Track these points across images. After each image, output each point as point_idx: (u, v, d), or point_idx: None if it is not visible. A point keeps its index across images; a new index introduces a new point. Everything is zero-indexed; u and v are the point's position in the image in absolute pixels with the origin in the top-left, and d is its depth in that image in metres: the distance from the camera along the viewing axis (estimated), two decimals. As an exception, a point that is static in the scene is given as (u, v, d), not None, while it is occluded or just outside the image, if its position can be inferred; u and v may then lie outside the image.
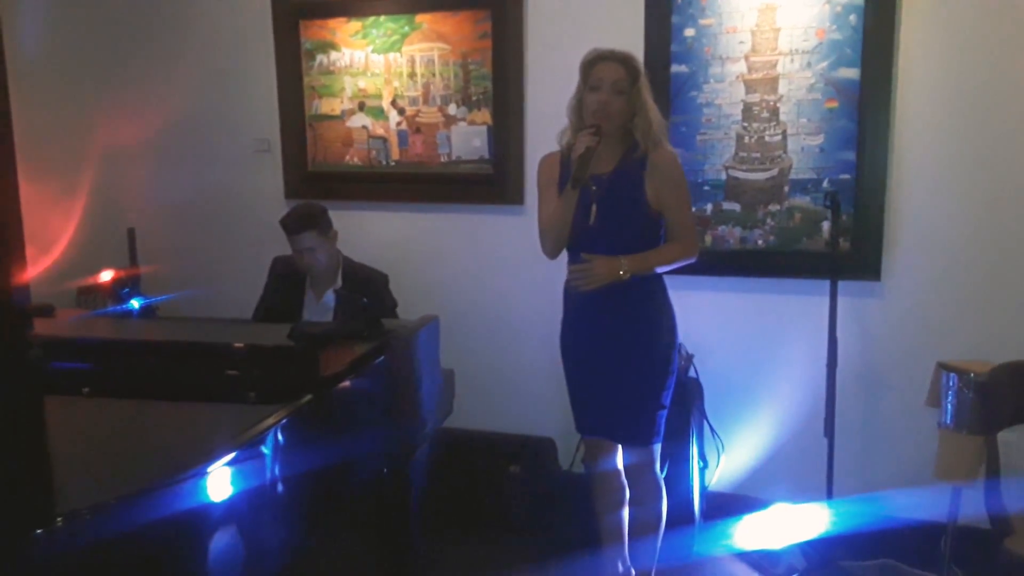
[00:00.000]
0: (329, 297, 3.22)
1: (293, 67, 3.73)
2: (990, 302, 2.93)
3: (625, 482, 2.67)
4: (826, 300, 3.03)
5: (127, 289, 3.93)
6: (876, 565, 3.01)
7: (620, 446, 2.63)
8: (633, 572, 2.73)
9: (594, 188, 2.43)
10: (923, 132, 2.95)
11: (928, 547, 2.87)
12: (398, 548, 2.54)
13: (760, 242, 3.18)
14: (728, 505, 3.17)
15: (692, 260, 2.49)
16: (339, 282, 3.20)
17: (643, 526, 2.65)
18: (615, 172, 2.43)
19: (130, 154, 4.05)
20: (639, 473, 2.58)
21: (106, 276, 3.93)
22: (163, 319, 3.58)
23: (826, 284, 3.04)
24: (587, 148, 2.36)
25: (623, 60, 2.44)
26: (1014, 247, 2.89)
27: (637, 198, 2.40)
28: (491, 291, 3.56)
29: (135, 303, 3.81)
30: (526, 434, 3.51)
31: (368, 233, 3.65)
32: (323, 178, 3.78)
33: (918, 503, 2.92)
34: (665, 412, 2.53)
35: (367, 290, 3.14)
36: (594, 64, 2.46)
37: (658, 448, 2.56)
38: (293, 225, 3.08)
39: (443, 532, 3.20)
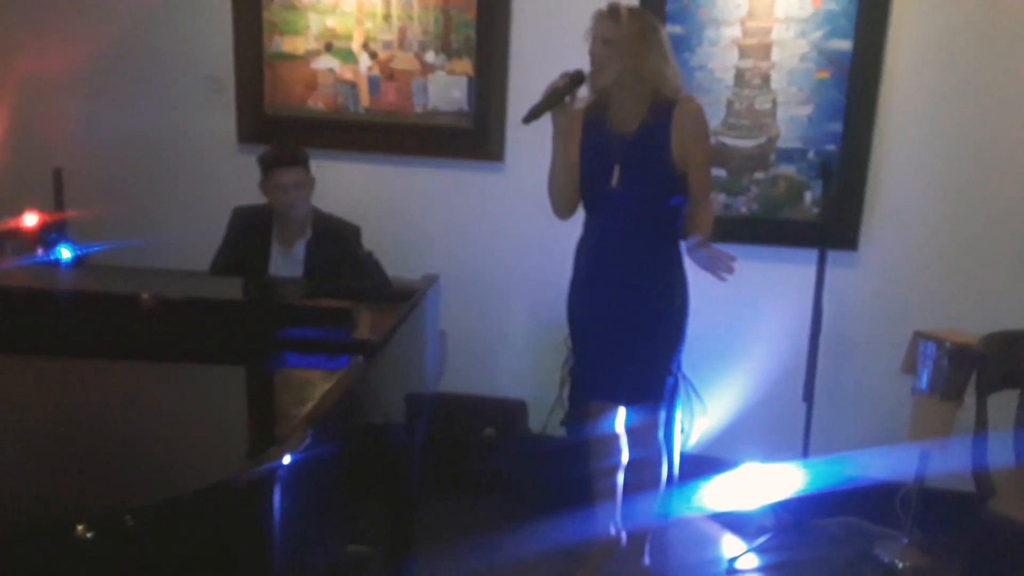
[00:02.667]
0: (299, 249, 3.03)
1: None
2: (963, 274, 3.07)
3: (622, 445, 2.65)
4: (806, 268, 3.10)
5: (54, 235, 3.58)
6: (840, 522, 3.15)
7: (620, 409, 2.61)
8: (624, 534, 2.73)
9: (617, 148, 2.36)
10: (909, 107, 3.03)
11: (893, 506, 3.02)
12: (400, 513, 2.44)
13: (744, 209, 3.20)
14: (703, 466, 3.23)
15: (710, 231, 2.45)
16: (308, 233, 3.02)
17: (640, 488, 2.65)
18: (639, 132, 2.36)
19: (56, 84, 3.65)
20: (642, 436, 2.58)
21: (30, 220, 3.55)
22: (111, 268, 3.26)
23: (806, 253, 3.11)
24: (553, 89, 2.29)
25: (609, 10, 2.37)
26: (988, 222, 3.03)
27: (662, 158, 2.35)
28: (466, 251, 3.44)
29: (64, 251, 3.47)
30: (499, 396, 3.44)
31: (333, 184, 3.43)
32: (282, 122, 3.52)
33: (887, 464, 3.05)
34: (672, 379, 2.52)
35: (339, 243, 2.98)
36: (592, 25, 2.38)
37: (662, 412, 2.56)
38: (284, 158, 2.89)
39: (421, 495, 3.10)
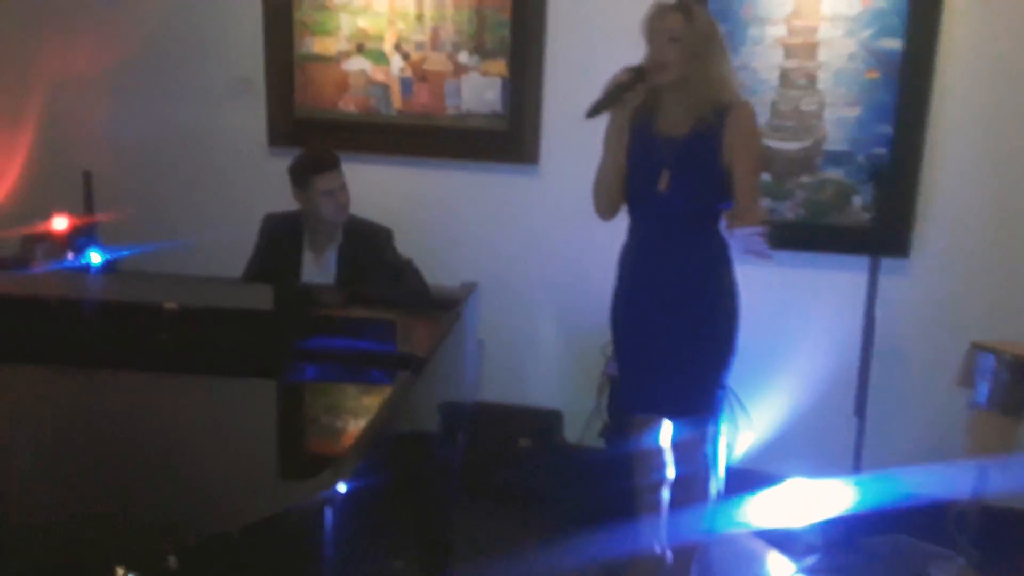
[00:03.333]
0: (331, 256, 2.95)
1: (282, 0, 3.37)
2: (1020, 283, 2.94)
3: (667, 460, 2.56)
4: (855, 276, 3.00)
5: (84, 239, 3.53)
6: (891, 541, 3.03)
7: (666, 423, 2.51)
8: (669, 552, 2.63)
9: (666, 152, 2.27)
10: (962, 108, 2.91)
11: (946, 525, 2.90)
12: (436, 526, 2.36)
13: (789, 214, 3.09)
14: (748, 481, 3.11)
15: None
16: (339, 237, 2.94)
17: (687, 506, 2.55)
18: (690, 135, 2.26)
19: (85, 87, 3.60)
20: (690, 452, 2.47)
21: (59, 224, 3.50)
22: (149, 275, 3.18)
23: (855, 259, 3.01)
24: (617, 83, 2.19)
25: (678, 6, 2.27)
26: (1047, 228, 2.90)
27: (713, 164, 2.25)
28: (500, 256, 3.35)
29: (94, 256, 3.42)
30: (533, 406, 3.35)
31: (364, 188, 3.33)
32: (312, 125, 3.45)
33: (941, 481, 2.92)
34: (723, 392, 2.42)
35: (371, 246, 2.90)
36: (650, 19, 2.28)
37: (712, 427, 2.45)
38: (328, 161, 2.81)
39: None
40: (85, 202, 3.59)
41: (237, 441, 1.42)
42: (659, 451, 2.54)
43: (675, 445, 2.50)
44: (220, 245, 3.41)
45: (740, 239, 2.11)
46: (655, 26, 2.23)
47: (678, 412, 2.43)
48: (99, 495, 1.17)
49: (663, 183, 2.27)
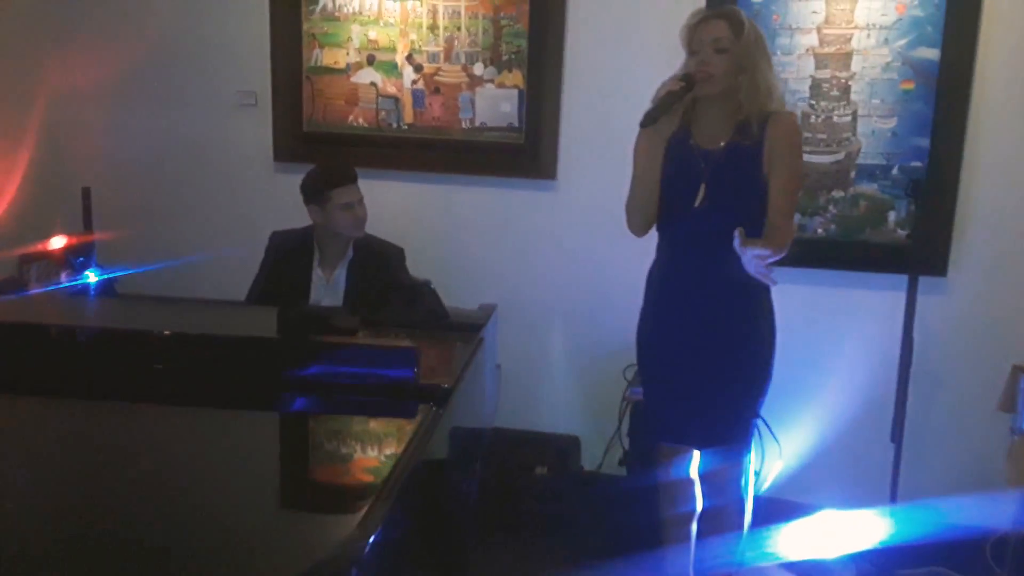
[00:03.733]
0: (340, 275, 2.82)
1: (290, 10, 3.26)
2: (1066, 303, 2.80)
3: (697, 492, 2.41)
4: (890, 295, 2.86)
5: (82, 259, 3.39)
6: (927, 573, 2.87)
7: (696, 452, 2.36)
8: (700, 589, 2.48)
9: (703, 166, 2.13)
10: (1003, 120, 2.78)
11: (984, 556, 2.75)
12: (454, 559, 2.20)
13: (820, 231, 2.96)
14: (778, 511, 2.96)
15: (782, 255, 2.18)
16: (350, 254, 2.81)
17: (719, 537, 2.40)
18: (728, 148, 2.13)
19: (85, 101, 3.48)
20: (722, 484, 2.33)
21: (57, 243, 3.37)
22: (147, 298, 3.04)
23: (890, 278, 2.87)
24: (668, 92, 2.07)
25: (724, 15, 2.15)
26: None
27: (752, 179, 2.11)
28: (515, 275, 3.22)
29: (91, 275, 3.29)
30: (550, 431, 3.20)
31: (375, 205, 3.20)
32: (321, 140, 3.33)
33: (980, 510, 2.77)
34: (757, 421, 2.27)
35: (382, 266, 2.77)
36: (693, 28, 2.16)
37: (747, 459, 2.30)
38: (347, 175, 2.72)
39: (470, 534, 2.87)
40: (84, 220, 3.46)
41: (247, 483, 1.28)
42: (688, 482, 2.40)
43: (706, 476, 2.35)
44: (224, 264, 3.28)
45: (748, 259, 1.97)
46: (700, 36, 2.10)
47: (710, 442, 2.28)
48: (100, 547, 1.03)
49: (699, 199, 2.13)
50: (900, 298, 2.82)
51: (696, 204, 2.14)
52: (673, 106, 2.07)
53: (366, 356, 1.56)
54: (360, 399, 1.52)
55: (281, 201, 3.34)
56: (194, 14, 3.34)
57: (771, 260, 1.94)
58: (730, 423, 2.23)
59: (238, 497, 1.21)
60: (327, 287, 2.83)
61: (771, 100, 2.12)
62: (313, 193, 2.74)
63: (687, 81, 2.08)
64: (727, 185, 2.12)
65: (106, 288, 3.28)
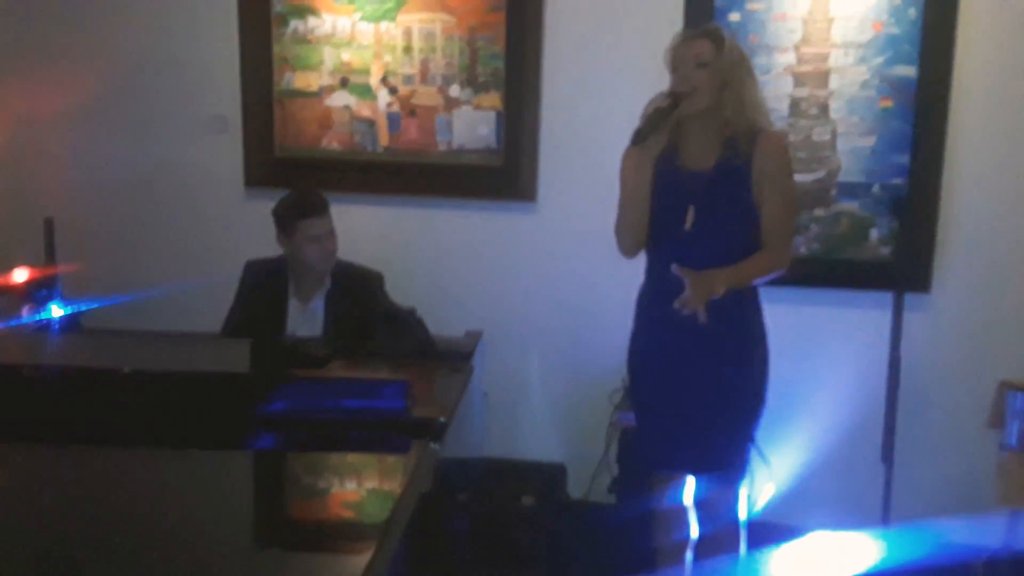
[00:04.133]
0: (318, 304, 2.73)
1: (260, 33, 3.19)
2: (1050, 317, 2.81)
3: (691, 519, 2.35)
4: (874, 313, 2.85)
5: (45, 292, 3.26)
6: (918, 594, 2.84)
7: (690, 478, 2.31)
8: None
9: (691, 187, 2.10)
10: (981, 136, 2.80)
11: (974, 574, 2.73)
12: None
13: (803, 249, 2.94)
14: (770, 534, 2.91)
15: (782, 272, 2.18)
16: (328, 283, 2.73)
17: (713, 567, 2.34)
18: (717, 169, 2.10)
19: (48, 127, 3.37)
20: (718, 511, 2.27)
21: (19, 276, 3.23)
22: (108, 332, 2.93)
23: (874, 296, 2.86)
24: (656, 109, 2.05)
25: (705, 33, 2.14)
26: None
27: (742, 200, 2.08)
28: (497, 299, 3.15)
29: (55, 309, 3.16)
30: (535, 459, 3.13)
31: (351, 230, 3.12)
32: (293, 164, 3.25)
33: (970, 529, 2.75)
34: (752, 446, 2.23)
35: (362, 293, 2.69)
36: (676, 49, 2.14)
37: (742, 484, 2.26)
38: (315, 206, 2.62)
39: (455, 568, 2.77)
40: (46, 251, 3.33)
41: (234, 529, 1.19)
42: (683, 510, 2.34)
43: (701, 503, 2.30)
44: (196, 295, 3.18)
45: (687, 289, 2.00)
46: (682, 53, 2.08)
47: (705, 469, 2.23)
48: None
49: (688, 221, 2.09)
50: (884, 315, 2.81)
51: (686, 226, 2.10)
52: (661, 123, 2.04)
53: (357, 390, 1.49)
54: (353, 435, 1.44)
55: (253, 228, 3.24)
56: (161, 37, 3.26)
57: (769, 278, 1.97)
58: (725, 448, 2.18)
59: (236, 542, 1.13)
60: (303, 317, 2.74)
61: (758, 116, 2.10)
62: (281, 222, 2.67)
63: (674, 97, 2.05)
64: (716, 207, 2.09)
65: (71, 323, 3.16)
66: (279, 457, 1.47)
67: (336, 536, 1.18)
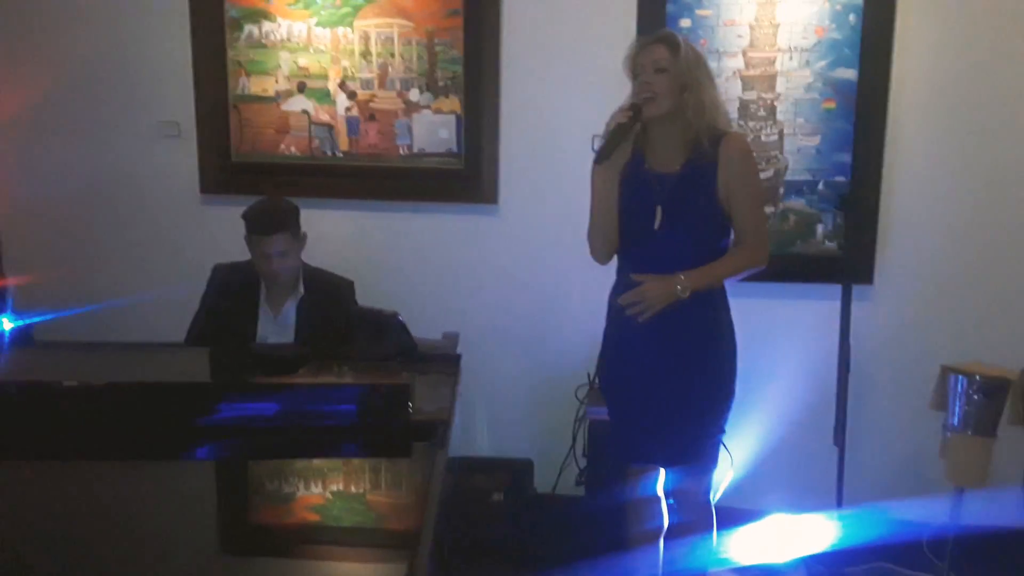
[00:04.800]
0: (290, 311, 2.73)
1: (213, 38, 3.16)
2: (985, 303, 3.00)
3: (664, 509, 2.45)
4: (822, 304, 3.00)
5: (-6, 305, 3.18)
6: (871, 569, 3.00)
7: (662, 471, 2.40)
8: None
9: (658, 188, 2.18)
10: (918, 134, 2.96)
11: (928, 551, 2.90)
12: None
13: (755, 245, 3.06)
14: (730, 518, 3.03)
15: (761, 268, 2.26)
16: (301, 290, 2.73)
17: (686, 555, 2.44)
18: (683, 171, 2.19)
19: (-8, 133, 3.27)
20: (691, 501, 2.37)
21: (-34, 290, 3.15)
22: (65, 344, 2.84)
23: (822, 288, 3.01)
24: (618, 124, 2.12)
25: (661, 39, 2.21)
26: (1004, 250, 2.97)
27: (709, 199, 2.17)
28: (460, 300, 3.20)
29: (5, 322, 3.08)
30: (502, 456, 3.19)
31: (311, 235, 3.14)
32: (251, 170, 3.23)
33: (920, 505, 2.91)
34: (723, 436, 2.33)
35: (333, 300, 2.71)
36: (634, 56, 2.22)
37: (713, 474, 2.36)
38: (265, 225, 2.59)
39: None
40: (-7, 262, 3.25)
41: (259, 539, 1.22)
42: (655, 500, 2.43)
43: (674, 493, 2.39)
44: (153, 305, 3.15)
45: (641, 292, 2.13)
46: (640, 60, 2.16)
47: (678, 461, 2.32)
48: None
49: (657, 221, 2.18)
50: (831, 306, 2.96)
51: (655, 227, 2.18)
52: (624, 137, 2.11)
53: (358, 395, 1.52)
54: (357, 440, 1.47)
55: (211, 234, 3.23)
56: (112, 42, 3.19)
57: (746, 275, 2.14)
58: (697, 441, 2.27)
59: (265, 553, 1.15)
60: (274, 323, 2.73)
61: (718, 116, 2.19)
62: (245, 228, 2.66)
63: (634, 110, 2.12)
64: (684, 206, 2.17)
65: (23, 336, 3.07)
66: (290, 465, 1.49)
67: (371, 543, 1.21)
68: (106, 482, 1.42)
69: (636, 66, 2.18)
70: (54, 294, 3.18)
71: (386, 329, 2.06)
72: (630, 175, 2.21)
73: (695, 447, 2.28)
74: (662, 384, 2.26)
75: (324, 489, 1.42)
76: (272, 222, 2.59)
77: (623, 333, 2.31)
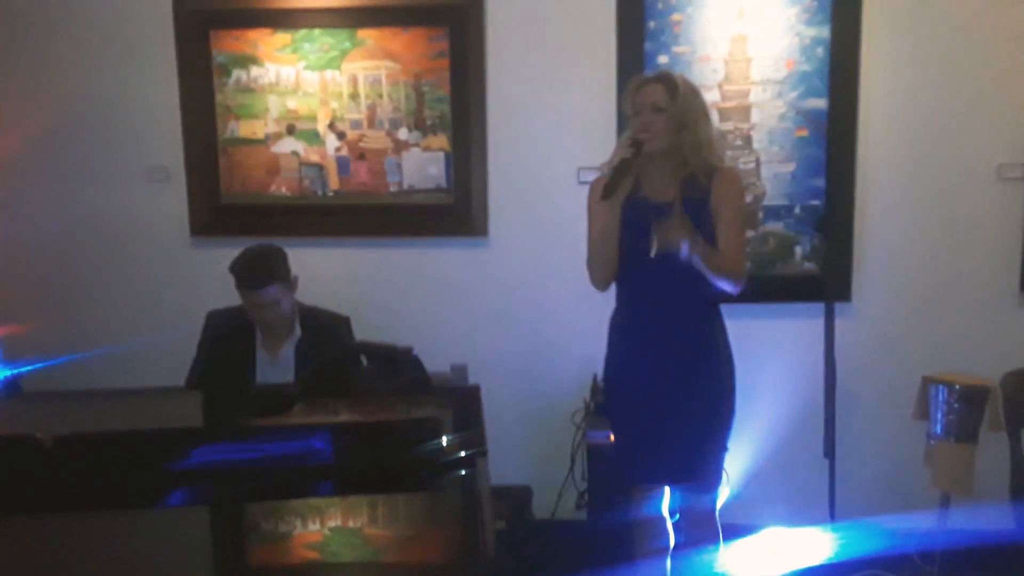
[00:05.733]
0: (288, 354, 2.74)
1: (201, 83, 3.21)
2: (957, 317, 3.14)
3: (670, 528, 2.52)
4: (803, 322, 3.13)
5: (-20, 355, 3.15)
6: (861, 577, 3.10)
7: (667, 490, 2.48)
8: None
9: (654, 217, 2.28)
10: (886, 158, 3.12)
11: (917, 559, 3.00)
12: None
13: (737, 268, 3.18)
14: (726, 533, 3.11)
15: (738, 284, 2.32)
16: (297, 332, 2.75)
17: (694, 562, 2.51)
18: (678, 200, 2.29)
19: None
20: (698, 519, 2.45)
21: (-47, 339, 3.12)
22: (52, 395, 2.78)
23: (802, 307, 3.14)
24: (621, 160, 2.22)
25: (660, 78, 2.33)
26: (975, 264, 3.12)
27: (703, 227, 2.27)
28: (454, 331, 3.25)
29: (-8, 371, 3.06)
30: (500, 484, 3.23)
31: (304, 273, 3.17)
32: (241, 211, 3.27)
33: (908, 517, 3.02)
34: (726, 453, 2.42)
35: (330, 339, 2.74)
36: (633, 93, 2.33)
37: (718, 493, 2.44)
38: (254, 280, 2.58)
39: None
40: (-22, 312, 3.22)
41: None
42: (661, 519, 2.50)
43: (681, 511, 2.47)
44: (146, 350, 3.15)
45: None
46: (640, 100, 2.26)
47: (683, 480, 2.40)
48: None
49: (653, 248, 2.27)
50: (812, 324, 3.10)
51: (651, 254, 2.27)
52: (628, 171, 2.20)
53: (394, 432, 1.56)
54: (406, 474, 1.52)
55: (201, 277, 3.26)
56: (99, 86, 3.22)
57: (723, 282, 2.23)
58: (703, 460, 2.35)
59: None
60: (273, 367, 2.73)
61: (713, 154, 2.31)
62: None
63: (636, 145, 2.22)
64: (677, 235, 2.26)
65: (10, 386, 3.05)
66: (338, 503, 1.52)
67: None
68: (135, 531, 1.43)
69: (635, 103, 2.28)
70: (43, 341, 3.18)
71: (400, 364, 2.11)
72: (627, 204, 2.31)
73: (700, 464, 2.36)
74: (666, 403, 2.33)
75: (383, 526, 1.46)
76: (261, 276, 2.58)
77: (625, 358, 2.40)
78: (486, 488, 1.45)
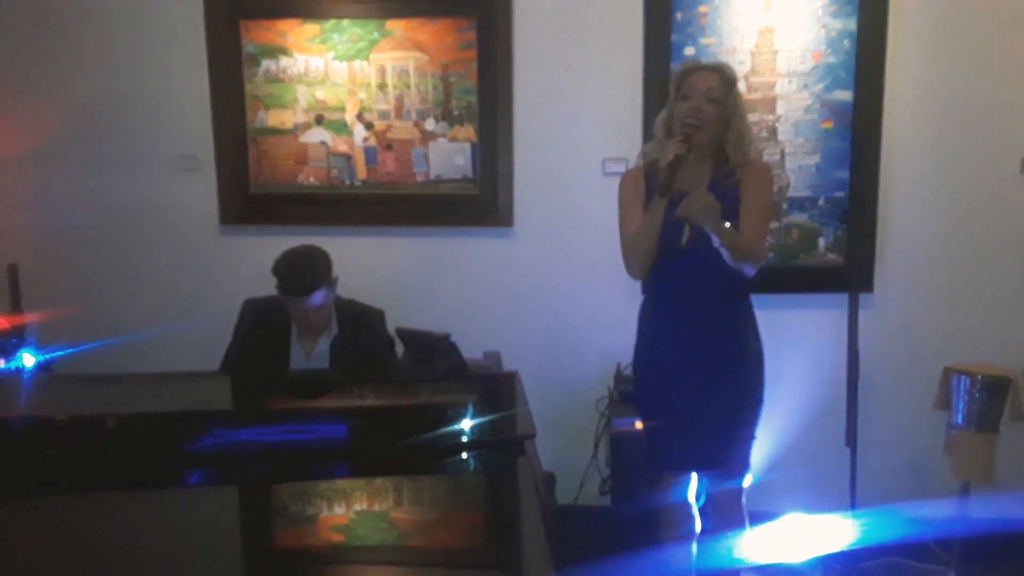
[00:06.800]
0: (323, 349, 2.75)
1: (231, 73, 3.25)
2: (978, 308, 3.17)
3: (696, 514, 2.56)
4: (826, 312, 3.17)
5: (14, 340, 3.20)
6: (885, 564, 3.14)
7: (694, 476, 2.52)
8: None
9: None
10: (911, 150, 3.14)
11: (935, 546, 3.04)
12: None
13: (761, 259, 3.21)
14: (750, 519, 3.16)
15: (756, 263, 2.35)
16: (334, 328, 2.76)
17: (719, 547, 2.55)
18: (711, 189, 2.32)
19: (10, 166, 3.31)
20: (726, 506, 2.49)
21: (-9, 324, 3.17)
22: (87, 377, 2.83)
23: (826, 297, 3.17)
24: (676, 156, 2.24)
25: (717, 69, 2.36)
26: (996, 255, 3.15)
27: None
28: (480, 320, 3.29)
29: (27, 357, 3.11)
30: (525, 471, 3.28)
31: (334, 261, 3.24)
32: (270, 200, 3.31)
33: (927, 505, 3.06)
34: (753, 441, 2.46)
35: (366, 332, 2.76)
36: (687, 74, 2.35)
37: (745, 479, 2.48)
38: (301, 287, 2.59)
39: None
40: (11, 299, 3.27)
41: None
42: (687, 505, 2.55)
43: (709, 498, 2.51)
44: (176, 337, 3.19)
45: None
46: (692, 83, 2.28)
47: (711, 466, 2.44)
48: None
49: (685, 237, 2.31)
50: (835, 314, 3.14)
51: (682, 243, 2.30)
52: (680, 166, 2.23)
53: (433, 414, 1.60)
54: (458, 456, 1.56)
55: (230, 266, 3.31)
56: (130, 76, 3.26)
57: (741, 262, 2.25)
58: (732, 447, 2.40)
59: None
60: (308, 358, 2.76)
61: (751, 148, 2.34)
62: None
63: (687, 140, 2.25)
64: (710, 224, 2.29)
65: (45, 370, 3.10)
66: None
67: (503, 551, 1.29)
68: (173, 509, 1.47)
69: (685, 85, 2.30)
70: (75, 328, 3.22)
71: (437, 350, 2.15)
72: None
73: (728, 451, 2.40)
74: (696, 391, 2.37)
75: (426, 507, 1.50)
76: (307, 282, 2.58)
77: (656, 347, 2.44)
78: (539, 471, 1.49)
